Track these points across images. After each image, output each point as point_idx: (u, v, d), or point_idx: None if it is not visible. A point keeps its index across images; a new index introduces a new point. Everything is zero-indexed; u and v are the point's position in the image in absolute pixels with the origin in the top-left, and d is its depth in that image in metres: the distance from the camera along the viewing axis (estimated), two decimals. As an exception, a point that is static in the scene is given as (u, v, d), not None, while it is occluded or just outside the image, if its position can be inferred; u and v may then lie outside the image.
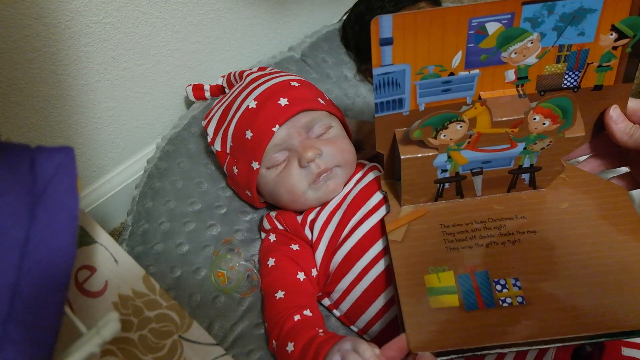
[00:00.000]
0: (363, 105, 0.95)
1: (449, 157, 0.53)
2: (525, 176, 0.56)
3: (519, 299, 0.49)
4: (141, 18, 0.75)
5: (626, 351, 0.54)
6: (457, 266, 0.52)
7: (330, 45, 1.00)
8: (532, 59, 0.49)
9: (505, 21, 0.46)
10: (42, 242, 0.30)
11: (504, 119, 0.50)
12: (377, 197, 0.63)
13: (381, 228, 0.60)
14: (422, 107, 0.51)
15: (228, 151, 0.70)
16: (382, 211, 0.61)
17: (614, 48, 0.49)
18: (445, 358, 0.48)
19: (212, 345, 0.36)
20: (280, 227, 0.69)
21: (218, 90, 0.86)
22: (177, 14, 0.80)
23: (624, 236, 0.52)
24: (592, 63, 0.50)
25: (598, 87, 0.51)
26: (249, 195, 0.72)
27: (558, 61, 0.49)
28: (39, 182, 0.31)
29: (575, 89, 0.51)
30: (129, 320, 0.36)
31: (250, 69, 0.77)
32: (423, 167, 0.53)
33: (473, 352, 0.48)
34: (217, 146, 0.71)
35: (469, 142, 0.52)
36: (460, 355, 0.48)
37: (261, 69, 0.77)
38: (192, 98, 0.87)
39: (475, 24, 0.46)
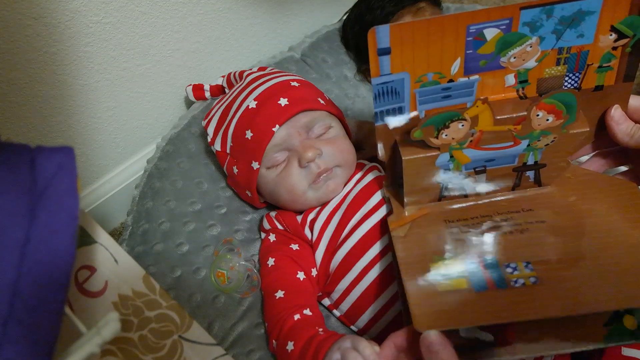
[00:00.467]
0: (363, 105, 0.95)
1: (451, 156, 0.52)
2: (530, 174, 0.56)
3: (532, 279, 0.47)
4: (141, 18, 0.75)
5: (626, 351, 0.54)
6: (464, 254, 0.51)
7: (330, 45, 1.00)
8: (531, 63, 0.49)
9: (504, 26, 0.46)
10: (42, 242, 0.30)
11: (506, 116, 0.49)
12: (377, 197, 0.63)
13: (381, 228, 0.60)
14: (422, 115, 0.51)
15: (228, 151, 0.70)
16: (382, 211, 0.61)
17: (614, 48, 0.48)
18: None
19: (212, 345, 0.36)
20: (280, 227, 0.69)
21: (218, 90, 0.86)
22: (177, 14, 0.80)
23: (635, 223, 0.51)
24: (592, 64, 0.50)
25: (599, 88, 0.51)
26: (249, 195, 0.72)
27: (558, 64, 0.49)
28: (39, 182, 0.31)
29: (577, 90, 0.51)
30: (129, 320, 0.36)
31: (250, 69, 0.78)
32: (425, 168, 0.53)
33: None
34: (217, 146, 0.71)
35: (471, 141, 0.51)
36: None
37: (261, 69, 0.77)
38: (192, 98, 0.87)
39: (474, 30, 0.46)
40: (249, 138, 0.66)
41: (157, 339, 0.36)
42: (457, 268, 0.50)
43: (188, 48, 0.85)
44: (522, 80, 0.50)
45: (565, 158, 0.54)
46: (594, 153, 0.59)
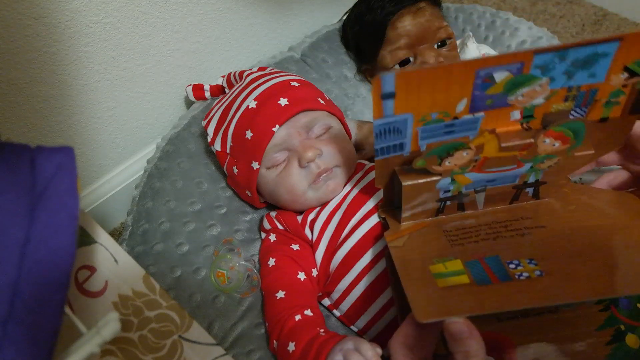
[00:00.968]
0: (363, 105, 0.95)
1: (453, 179, 0.52)
2: (529, 189, 0.56)
3: (537, 272, 0.46)
4: (141, 18, 0.75)
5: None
6: (464, 255, 0.50)
7: (330, 45, 1.00)
8: (539, 100, 0.49)
9: (515, 70, 0.46)
10: (42, 242, 0.30)
11: (512, 144, 0.49)
12: (377, 197, 0.63)
13: (381, 228, 0.60)
14: (423, 148, 0.51)
15: (228, 151, 0.70)
16: (382, 211, 0.61)
17: (624, 85, 0.48)
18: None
19: (212, 345, 0.36)
20: (280, 227, 0.69)
21: (218, 90, 0.86)
22: (177, 14, 0.80)
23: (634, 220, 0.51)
24: (600, 100, 0.49)
25: (604, 120, 0.51)
26: (249, 195, 0.72)
27: (566, 100, 0.49)
28: (39, 182, 0.31)
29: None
30: (129, 320, 0.36)
31: (250, 69, 0.78)
32: (425, 191, 0.53)
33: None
34: (217, 146, 0.71)
35: (474, 166, 0.51)
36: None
37: (261, 69, 0.77)
38: (192, 98, 0.87)
39: (483, 74, 0.46)
40: (249, 138, 0.66)
41: (157, 339, 0.36)
42: (458, 267, 0.49)
43: (188, 48, 0.85)
44: (528, 115, 0.50)
45: (566, 176, 0.54)
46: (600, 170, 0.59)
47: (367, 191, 0.64)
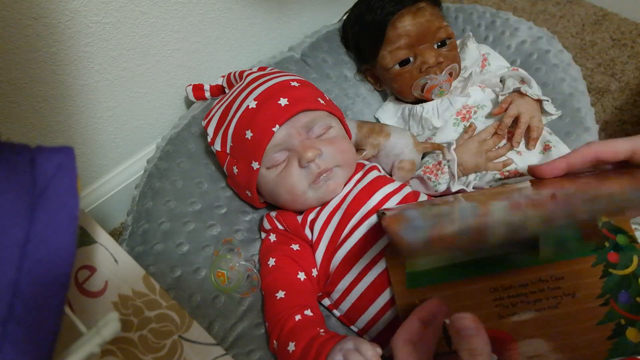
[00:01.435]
0: (363, 105, 0.95)
1: None
2: None
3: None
4: (141, 18, 0.75)
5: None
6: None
7: (330, 45, 1.00)
8: None
9: None
10: (42, 242, 0.30)
11: None
12: (377, 197, 0.63)
13: (381, 228, 0.60)
14: None
15: (228, 151, 0.70)
16: (382, 211, 0.61)
17: None
18: None
19: (212, 345, 0.36)
20: (280, 227, 0.69)
21: (218, 90, 0.86)
22: (177, 14, 0.80)
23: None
24: None
25: None
26: (249, 195, 0.72)
27: None
28: (39, 182, 0.31)
29: None
30: (129, 320, 0.36)
31: (250, 69, 0.77)
32: None
33: None
34: (217, 146, 0.71)
35: None
36: None
37: (261, 69, 0.77)
38: (192, 98, 0.87)
39: None
40: (249, 138, 0.66)
41: (157, 339, 0.36)
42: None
43: (188, 48, 0.85)
44: None
45: None
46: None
47: (368, 191, 0.64)
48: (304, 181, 0.65)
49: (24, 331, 0.28)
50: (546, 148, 0.78)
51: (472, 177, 0.79)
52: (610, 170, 0.53)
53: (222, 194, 0.77)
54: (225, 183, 0.78)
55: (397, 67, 0.84)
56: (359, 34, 0.94)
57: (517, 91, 0.79)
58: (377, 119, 0.93)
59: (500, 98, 0.81)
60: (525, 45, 0.96)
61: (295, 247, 0.67)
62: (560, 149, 0.78)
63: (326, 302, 0.66)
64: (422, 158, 0.82)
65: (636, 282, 0.52)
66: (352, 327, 0.65)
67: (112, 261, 0.38)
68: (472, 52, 0.87)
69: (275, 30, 0.98)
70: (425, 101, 0.85)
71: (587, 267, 0.53)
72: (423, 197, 0.68)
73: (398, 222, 0.50)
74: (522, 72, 0.86)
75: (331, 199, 0.66)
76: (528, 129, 0.77)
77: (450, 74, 0.82)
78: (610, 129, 1.03)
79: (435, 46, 0.83)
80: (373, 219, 0.61)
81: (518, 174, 0.64)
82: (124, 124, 0.85)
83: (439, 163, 0.77)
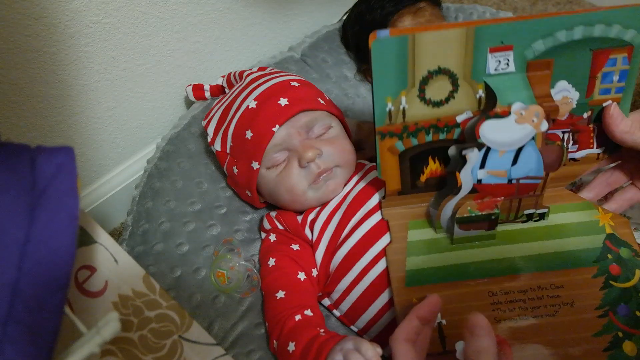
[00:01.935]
0: (363, 105, 0.95)
1: None
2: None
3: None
4: (141, 18, 0.75)
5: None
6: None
7: (330, 45, 1.00)
8: None
9: None
10: (42, 242, 0.30)
11: None
12: (377, 197, 0.63)
13: (381, 228, 0.60)
14: None
15: (228, 151, 0.70)
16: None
17: None
18: None
19: (212, 345, 0.36)
20: (280, 227, 0.69)
21: (218, 90, 0.86)
22: (177, 14, 0.80)
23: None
24: None
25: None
26: (249, 195, 0.72)
27: None
28: (39, 182, 0.31)
29: None
30: (129, 320, 0.36)
31: (250, 69, 0.77)
32: None
33: None
34: (217, 146, 0.71)
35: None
36: None
37: (261, 69, 0.77)
38: (192, 98, 0.87)
39: None
40: (249, 138, 0.66)
41: (157, 339, 0.36)
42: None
43: (188, 48, 0.85)
44: None
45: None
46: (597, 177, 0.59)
47: (368, 191, 0.64)
48: (304, 181, 0.65)
49: (24, 331, 0.28)
50: None
51: None
52: None
53: (222, 194, 0.77)
54: (225, 183, 0.78)
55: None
56: (359, 34, 0.94)
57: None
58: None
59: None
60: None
61: (295, 247, 0.67)
62: None
63: (326, 302, 0.66)
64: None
65: (637, 296, 0.52)
66: (352, 327, 0.65)
67: (112, 261, 0.38)
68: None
69: (275, 30, 0.98)
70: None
71: (587, 278, 0.53)
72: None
73: None
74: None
75: (331, 199, 0.66)
76: None
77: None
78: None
79: (435, 46, 0.83)
80: (373, 218, 0.61)
81: None
82: (124, 124, 0.85)
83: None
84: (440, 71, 0.50)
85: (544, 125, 0.50)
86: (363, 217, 0.62)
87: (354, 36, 0.96)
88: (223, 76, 0.84)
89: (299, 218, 0.68)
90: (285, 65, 0.94)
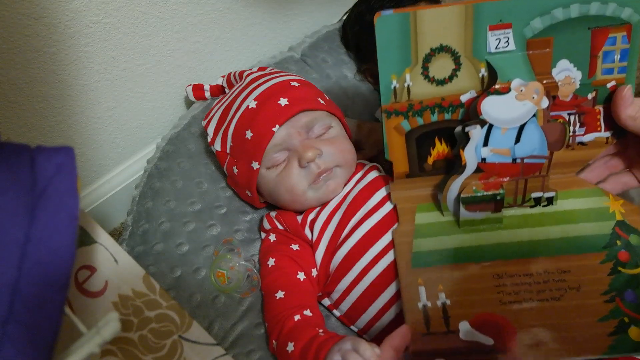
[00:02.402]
0: (363, 105, 0.94)
1: None
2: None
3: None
4: (141, 18, 0.75)
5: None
6: None
7: (330, 45, 1.00)
8: None
9: None
10: (42, 242, 0.30)
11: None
12: (378, 197, 0.63)
13: (381, 228, 0.60)
14: None
15: (228, 151, 0.70)
16: (382, 211, 0.61)
17: None
18: None
19: (212, 345, 0.36)
20: (280, 227, 0.69)
21: (218, 90, 0.86)
22: (177, 14, 0.80)
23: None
24: None
25: None
26: (249, 195, 0.72)
27: None
28: (39, 182, 0.31)
29: None
30: (129, 320, 0.36)
31: (250, 69, 0.77)
32: None
33: None
34: (217, 146, 0.71)
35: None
36: None
37: (261, 69, 0.77)
38: (192, 98, 0.87)
39: None
40: (249, 138, 0.66)
41: (157, 339, 0.36)
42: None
43: (188, 48, 0.85)
44: None
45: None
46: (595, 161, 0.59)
47: (368, 191, 0.64)
48: (304, 181, 0.65)
49: (24, 331, 0.28)
50: None
51: None
52: None
53: (222, 194, 0.77)
54: (225, 183, 0.78)
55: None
56: (359, 34, 0.94)
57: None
58: (377, 119, 0.93)
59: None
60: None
61: (295, 247, 0.67)
62: None
63: (326, 302, 0.66)
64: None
65: None
66: (352, 327, 0.65)
67: (112, 261, 0.38)
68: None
69: (275, 30, 0.98)
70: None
71: (595, 264, 0.53)
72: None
73: None
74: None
75: (331, 199, 0.66)
76: None
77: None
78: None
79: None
80: (373, 218, 0.61)
81: None
82: (124, 124, 0.85)
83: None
84: (443, 49, 0.51)
85: (545, 102, 0.50)
86: (363, 217, 0.62)
87: (354, 36, 0.96)
88: (223, 76, 0.84)
89: (299, 218, 0.68)
90: (285, 65, 0.94)
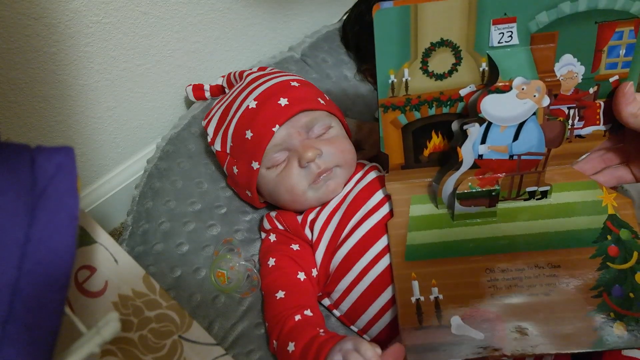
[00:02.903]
0: (363, 105, 0.94)
1: None
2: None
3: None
4: (141, 18, 0.75)
5: (627, 351, 0.54)
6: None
7: (330, 45, 1.00)
8: None
9: None
10: (42, 242, 0.30)
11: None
12: (378, 197, 0.63)
13: (381, 228, 0.60)
14: None
15: (228, 151, 0.70)
16: (382, 211, 0.61)
17: None
18: None
19: (212, 345, 0.36)
20: (280, 227, 0.69)
21: (218, 90, 0.86)
22: (177, 14, 0.80)
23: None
24: None
25: None
26: (249, 195, 0.72)
27: None
28: (39, 182, 0.31)
29: None
30: (129, 320, 0.36)
31: (250, 69, 0.77)
32: None
33: None
34: (217, 146, 0.71)
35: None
36: None
37: (261, 69, 0.77)
38: (192, 98, 0.87)
39: None
40: (249, 138, 0.66)
41: (157, 339, 0.36)
42: None
43: (188, 48, 0.85)
44: None
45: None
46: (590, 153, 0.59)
47: (368, 191, 0.64)
48: (304, 181, 0.65)
49: (24, 331, 0.28)
50: None
51: None
52: None
53: (222, 194, 0.77)
54: (225, 183, 0.78)
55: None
56: (359, 34, 0.94)
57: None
58: (377, 119, 0.93)
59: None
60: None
61: (295, 247, 0.67)
62: None
63: (326, 302, 0.66)
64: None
65: (632, 278, 0.52)
66: (352, 327, 0.65)
67: (112, 261, 0.38)
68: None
69: (275, 30, 0.98)
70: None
71: (585, 258, 0.54)
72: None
73: None
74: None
75: (331, 199, 0.66)
76: None
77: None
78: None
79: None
80: (373, 218, 0.61)
81: None
82: (124, 124, 0.85)
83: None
84: (443, 43, 0.50)
85: (546, 101, 0.50)
86: (363, 217, 0.62)
87: (354, 36, 0.96)
88: (223, 76, 0.84)
89: (299, 218, 0.68)
90: (285, 65, 0.94)
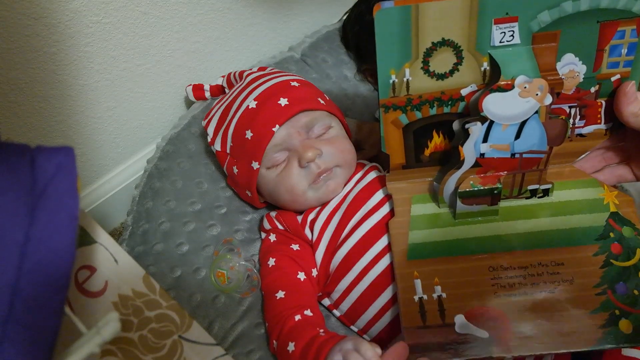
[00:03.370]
0: (363, 105, 0.94)
1: None
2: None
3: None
4: (141, 18, 0.75)
5: (626, 351, 0.54)
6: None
7: (330, 45, 1.00)
8: None
9: None
10: (42, 243, 0.30)
11: None
12: (378, 196, 0.63)
13: (381, 228, 0.60)
14: None
15: (228, 151, 0.70)
16: (382, 211, 0.61)
17: None
18: None
19: (212, 345, 0.36)
20: (280, 227, 0.69)
21: (218, 90, 0.86)
22: (177, 14, 0.80)
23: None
24: None
25: None
26: (249, 195, 0.72)
27: None
28: (39, 182, 0.31)
29: None
30: (129, 320, 0.36)
31: (250, 69, 0.77)
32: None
33: None
34: (217, 146, 0.71)
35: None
36: None
37: (261, 69, 0.77)
38: (192, 98, 0.87)
39: None
40: (249, 138, 0.66)
41: (157, 339, 0.36)
42: None
43: (188, 48, 0.85)
44: None
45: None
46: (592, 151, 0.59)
47: (368, 191, 0.64)
48: (304, 181, 0.65)
49: (24, 331, 0.28)
50: None
51: None
52: None
53: (222, 194, 0.77)
54: (225, 183, 0.78)
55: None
56: (359, 34, 0.94)
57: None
58: (377, 119, 0.93)
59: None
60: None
61: (295, 247, 0.67)
62: None
63: (326, 302, 0.66)
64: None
65: (636, 275, 0.52)
66: (352, 327, 0.65)
67: (112, 261, 0.38)
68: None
69: (275, 30, 0.98)
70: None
71: (588, 256, 0.53)
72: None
73: None
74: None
75: (331, 199, 0.66)
76: None
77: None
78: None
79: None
80: (373, 218, 0.61)
81: None
82: (124, 124, 0.85)
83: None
84: (444, 43, 0.50)
85: (548, 99, 0.50)
86: (363, 217, 0.62)
87: (354, 36, 0.96)
88: (223, 76, 0.84)
89: (299, 218, 0.68)
90: (285, 65, 0.94)
